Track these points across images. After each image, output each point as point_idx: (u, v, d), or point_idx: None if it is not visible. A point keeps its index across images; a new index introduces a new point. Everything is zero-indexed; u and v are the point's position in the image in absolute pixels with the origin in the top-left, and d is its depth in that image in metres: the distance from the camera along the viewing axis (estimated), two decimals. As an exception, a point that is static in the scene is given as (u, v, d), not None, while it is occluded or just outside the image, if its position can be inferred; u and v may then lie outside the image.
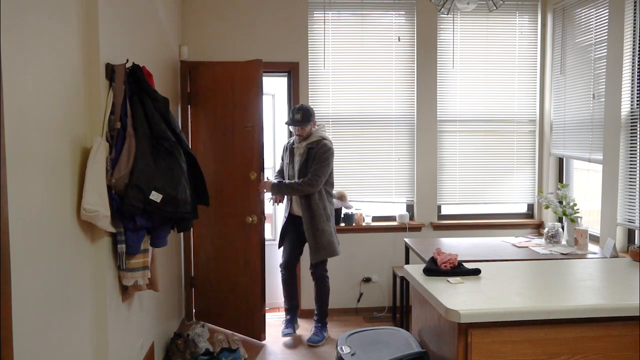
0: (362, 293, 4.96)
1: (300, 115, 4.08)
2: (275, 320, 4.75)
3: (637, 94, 3.73)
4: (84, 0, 2.44)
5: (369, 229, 4.91)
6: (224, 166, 4.39)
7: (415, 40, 4.88)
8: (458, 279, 2.37)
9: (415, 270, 2.53)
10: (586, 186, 4.60)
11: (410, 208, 5.05)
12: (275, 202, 4.46)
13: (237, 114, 4.32)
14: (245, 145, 4.21)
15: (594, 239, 4.13)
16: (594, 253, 3.84)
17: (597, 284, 2.41)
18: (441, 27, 4.93)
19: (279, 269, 4.43)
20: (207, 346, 3.84)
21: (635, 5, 3.72)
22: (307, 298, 4.77)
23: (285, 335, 4.32)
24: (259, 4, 4.78)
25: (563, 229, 4.20)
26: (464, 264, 2.52)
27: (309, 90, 4.83)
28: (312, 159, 4.08)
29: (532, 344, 2.04)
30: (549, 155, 4.93)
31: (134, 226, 2.62)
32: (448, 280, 2.36)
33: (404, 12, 4.93)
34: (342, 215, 4.85)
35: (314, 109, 4.27)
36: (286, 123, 4.22)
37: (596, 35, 4.18)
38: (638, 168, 3.68)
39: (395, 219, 5.01)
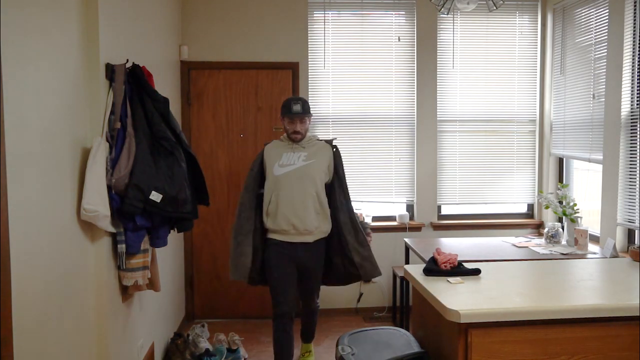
0: (362, 293, 4.96)
1: (301, 106, 3.38)
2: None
3: (637, 94, 3.73)
4: (84, 1, 2.44)
5: (369, 230, 4.90)
6: (242, 164, 4.73)
7: (415, 40, 4.88)
8: (458, 279, 2.37)
9: (415, 270, 2.53)
10: (586, 186, 4.60)
11: (410, 208, 5.05)
12: None
13: (262, 117, 4.78)
14: None
15: (594, 239, 4.12)
16: (594, 253, 3.84)
17: (597, 284, 2.41)
18: (441, 27, 4.93)
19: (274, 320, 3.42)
20: (207, 346, 3.84)
21: (635, 5, 3.72)
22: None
23: None
24: (259, 4, 4.78)
25: (563, 229, 4.20)
26: (464, 264, 2.52)
27: (309, 90, 4.83)
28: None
29: (532, 344, 2.04)
30: (549, 155, 4.93)
31: (134, 226, 2.62)
32: (448, 280, 2.36)
33: (404, 12, 4.93)
34: (342, 215, 4.84)
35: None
36: (286, 114, 3.41)
37: (596, 35, 4.18)
38: (638, 168, 3.68)
39: (395, 219, 5.01)
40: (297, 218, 3.30)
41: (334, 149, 3.47)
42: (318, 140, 3.51)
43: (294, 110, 3.36)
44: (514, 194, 5.09)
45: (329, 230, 3.42)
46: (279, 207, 3.32)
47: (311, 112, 3.47)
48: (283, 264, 3.37)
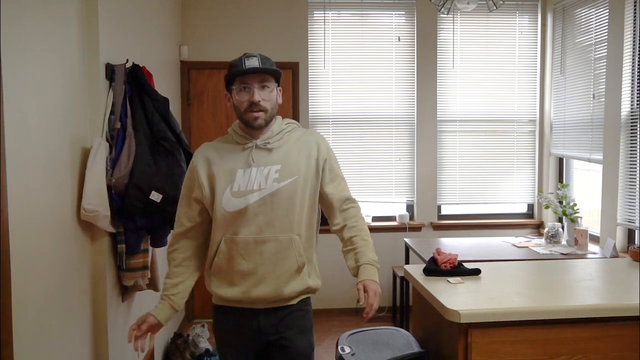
0: (362, 293, 4.96)
1: (259, 61, 1.90)
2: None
3: (637, 93, 3.73)
4: (84, 1, 2.44)
5: (369, 229, 4.90)
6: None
7: (415, 40, 4.88)
8: (458, 279, 2.37)
9: (415, 270, 2.53)
10: (586, 186, 4.60)
11: (410, 208, 5.05)
12: None
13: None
14: None
15: (594, 239, 4.12)
16: (594, 253, 3.84)
17: (597, 284, 2.40)
18: (441, 27, 4.93)
19: None
20: (207, 346, 3.84)
21: (635, 5, 3.72)
22: None
23: None
24: (259, 4, 4.78)
25: (563, 229, 4.20)
26: (464, 264, 2.52)
27: (309, 90, 4.83)
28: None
29: (532, 344, 2.04)
30: (549, 155, 4.93)
31: (134, 226, 2.62)
32: (448, 280, 2.36)
33: (404, 12, 4.93)
34: (342, 215, 4.84)
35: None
36: (235, 77, 1.92)
37: (596, 35, 4.18)
38: (638, 168, 3.68)
39: (395, 219, 5.00)
40: (266, 284, 1.92)
41: (322, 142, 2.01)
42: (295, 127, 2.05)
43: (247, 65, 1.86)
44: (514, 194, 5.09)
45: (320, 284, 2.06)
46: (235, 266, 1.92)
47: (280, 74, 1.95)
48: (239, 344, 2.02)
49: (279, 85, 1.97)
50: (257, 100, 1.88)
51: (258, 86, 1.90)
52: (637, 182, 3.69)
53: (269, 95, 1.92)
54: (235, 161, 1.94)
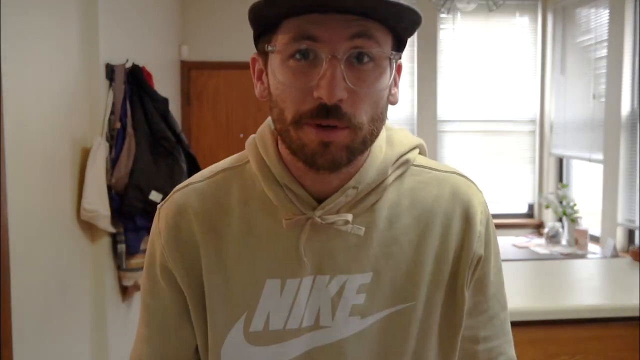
0: (362, 293, 4.96)
1: None
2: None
3: (638, 93, 3.73)
4: (84, 0, 2.44)
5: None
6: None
7: (415, 40, 4.88)
8: (458, 279, 2.37)
9: (415, 270, 2.52)
10: (586, 186, 4.60)
11: (410, 208, 5.05)
12: None
13: (262, 117, 4.71)
14: None
15: (594, 239, 4.12)
16: (594, 253, 3.84)
17: (597, 284, 2.41)
18: (441, 27, 4.92)
19: None
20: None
21: (635, 5, 3.71)
22: None
23: None
24: (259, 4, 4.78)
25: (563, 229, 4.20)
26: (464, 264, 2.52)
27: (309, 90, 4.83)
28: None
29: (532, 344, 2.04)
30: (549, 155, 4.92)
31: (134, 226, 2.62)
32: (448, 280, 2.36)
33: (404, 12, 4.92)
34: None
35: None
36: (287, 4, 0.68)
37: (596, 35, 4.17)
38: (638, 168, 3.68)
39: (395, 219, 5.00)
40: None
41: (480, 214, 0.82)
42: (420, 163, 0.85)
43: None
44: (514, 194, 5.09)
45: None
46: None
47: (415, 27, 0.76)
48: None
49: (399, 56, 0.81)
50: (337, 97, 0.70)
51: (345, 53, 0.71)
52: (638, 183, 3.68)
53: (372, 86, 0.75)
54: (262, 253, 0.80)
